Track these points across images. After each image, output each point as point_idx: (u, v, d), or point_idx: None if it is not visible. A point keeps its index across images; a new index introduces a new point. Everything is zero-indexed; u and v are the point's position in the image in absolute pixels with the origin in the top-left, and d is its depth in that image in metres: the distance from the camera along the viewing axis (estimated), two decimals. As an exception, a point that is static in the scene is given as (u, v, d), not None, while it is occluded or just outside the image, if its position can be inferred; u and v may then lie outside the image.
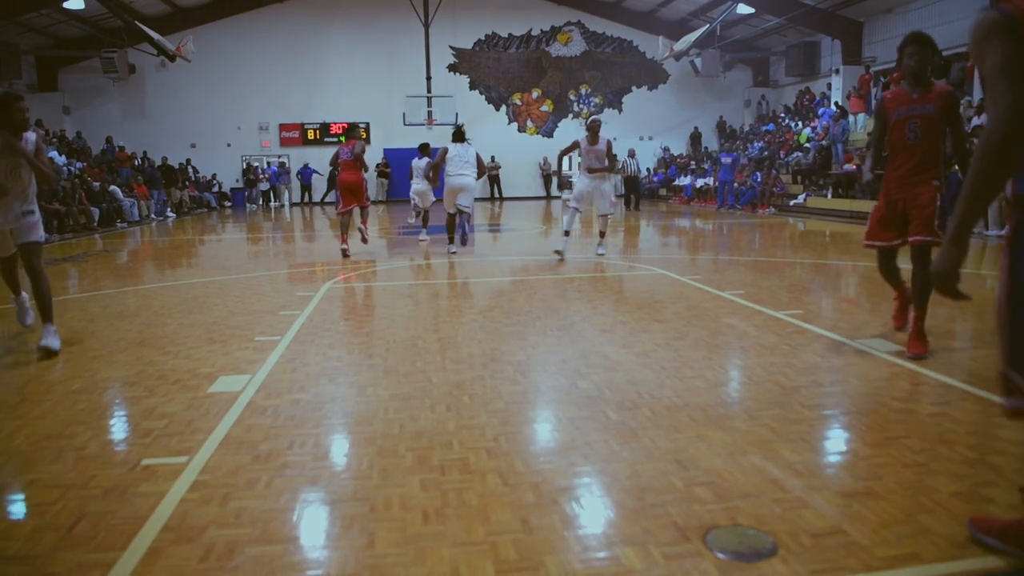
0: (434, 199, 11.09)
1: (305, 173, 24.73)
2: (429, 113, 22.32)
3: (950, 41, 15.01)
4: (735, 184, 18.80)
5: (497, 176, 25.55)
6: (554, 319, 5.25)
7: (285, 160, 25.06)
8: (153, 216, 19.31)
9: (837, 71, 20.16)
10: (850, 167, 15.20)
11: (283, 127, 25.08)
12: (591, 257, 8.80)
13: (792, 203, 17.06)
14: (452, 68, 25.40)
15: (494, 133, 25.15)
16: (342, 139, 24.53)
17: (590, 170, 8.45)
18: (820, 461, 2.72)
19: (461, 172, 8.82)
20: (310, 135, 25.18)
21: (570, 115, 26.48)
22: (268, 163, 25.16)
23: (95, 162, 20.00)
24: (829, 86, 20.70)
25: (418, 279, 7.90)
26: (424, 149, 11.34)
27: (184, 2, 23.04)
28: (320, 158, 24.65)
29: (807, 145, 18.88)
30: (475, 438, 2.91)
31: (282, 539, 2.16)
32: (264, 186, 24.68)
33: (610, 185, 8.80)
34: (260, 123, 24.99)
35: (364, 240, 9.77)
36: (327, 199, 25.06)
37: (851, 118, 17.85)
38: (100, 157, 20.95)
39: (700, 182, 21.70)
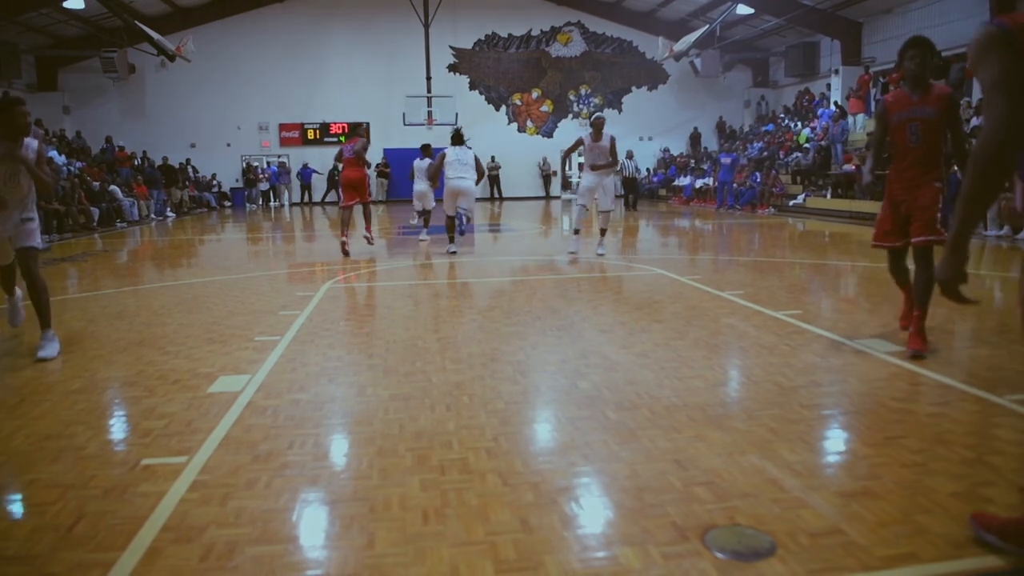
0: (435, 201, 11.14)
1: (305, 173, 24.75)
2: (429, 113, 22.32)
3: (949, 42, 15.03)
4: (735, 184, 18.81)
5: (497, 176, 25.55)
6: (554, 319, 5.26)
7: (285, 160, 25.07)
8: (153, 216, 19.31)
9: (836, 71, 20.17)
10: (849, 167, 15.21)
11: (283, 127, 25.08)
12: (591, 257, 8.80)
13: (791, 203, 17.07)
14: (452, 68, 25.40)
15: (494, 133, 25.16)
16: (342, 139, 24.65)
17: (593, 167, 8.52)
18: (819, 461, 2.73)
19: (460, 175, 8.94)
20: (310, 135, 25.18)
21: (570, 115, 26.49)
22: (268, 163, 25.15)
23: (95, 162, 19.99)
24: (828, 86, 20.71)
25: (418, 279, 7.90)
26: (426, 150, 11.44)
27: (184, 2, 23.04)
28: (320, 158, 24.70)
29: (806, 145, 18.89)
30: (475, 438, 2.92)
31: (282, 539, 2.17)
32: (264, 186, 24.67)
33: (612, 181, 8.87)
34: (260, 123, 24.99)
35: (370, 242, 9.91)
36: (327, 199, 25.12)
37: (850, 119, 17.86)
38: (100, 157, 20.94)
39: (700, 182, 21.70)
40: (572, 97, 26.48)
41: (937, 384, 3.52)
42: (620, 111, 26.17)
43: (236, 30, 24.18)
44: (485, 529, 2.18)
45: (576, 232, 8.86)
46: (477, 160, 9.15)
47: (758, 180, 18.49)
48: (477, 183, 9.25)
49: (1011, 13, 1.73)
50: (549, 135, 26.41)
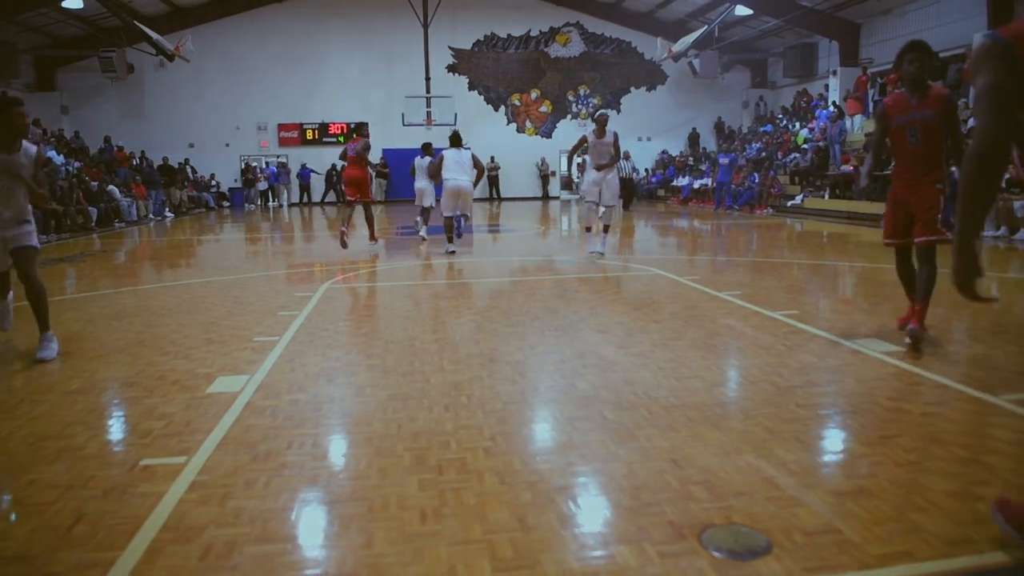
0: (435, 200, 11.32)
1: (304, 173, 24.77)
2: (428, 113, 22.32)
3: (947, 43, 15.08)
4: (733, 185, 18.83)
5: (496, 177, 25.57)
6: (552, 319, 5.27)
7: (285, 160, 25.07)
8: (151, 216, 19.30)
9: (835, 72, 20.20)
10: (847, 168, 15.23)
11: (282, 127, 25.08)
12: (589, 257, 8.82)
13: (790, 204, 17.09)
14: (451, 68, 25.42)
15: (493, 134, 25.19)
16: (341, 139, 24.67)
17: (599, 167, 8.63)
18: (814, 460, 2.74)
19: (457, 176, 9.22)
20: (309, 135, 25.18)
21: (569, 116, 26.53)
22: (267, 163, 25.15)
23: (93, 162, 19.98)
24: (827, 87, 20.74)
25: (417, 279, 7.91)
26: (427, 148, 11.73)
27: (183, 2, 23.03)
28: (319, 158, 24.71)
29: (804, 146, 18.91)
30: (473, 438, 2.93)
31: (281, 538, 2.18)
32: (262, 186, 24.66)
33: (616, 177, 8.95)
34: (259, 123, 24.99)
35: (373, 239, 10.24)
36: (326, 199, 25.13)
37: (848, 120, 17.89)
38: (98, 157, 20.93)
39: (698, 183, 21.73)
40: (571, 97, 26.51)
41: (933, 383, 3.53)
42: (619, 111, 26.18)
43: (235, 30, 24.18)
44: (483, 528, 2.19)
45: (588, 230, 9.02)
46: (475, 158, 9.38)
47: (756, 181, 18.52)
48: (477, 180, 9.47)
49: (1009, 24, 1.81)
50: (548, 135, 26.45)
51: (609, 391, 3.50)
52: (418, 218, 11.74)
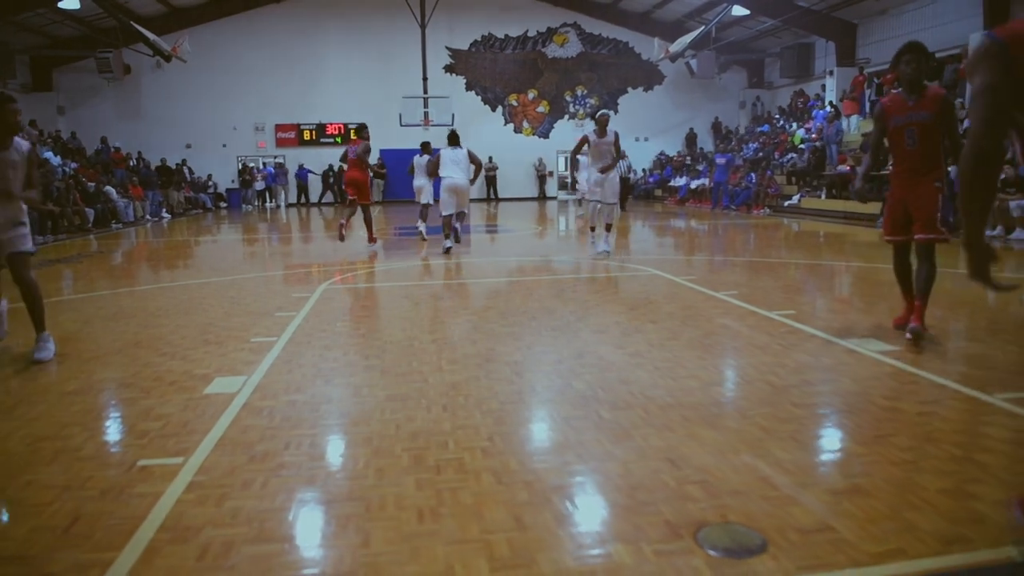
0: (433, 199, 11.50)
1: (301, 174, 24.75)
2: (425, 114, 22.31)
3: (943, 43, 15.12)
4: (730, 185, 18.86)
5: (494, 177, 25.56)
6: (549, 320, 5.28)
7: (282, 160, 25.06)
8: (148, 217, 19.27)
9: (831, 73, 20.24)
10: (844, 168, 15.27)
11: (279, 127, 25.05)
12: (588, 257, 8.83)
13: (786, 204, 17.13)
14: (448, 69, 25.42)
15: (490, 134, 25.18)
16: (338, 140, 24.66)
17: (603, 170, 8.70)
18: (810, 459, 2.75)
19: (453, 174, 9.55)
20: (306, 136, 25.16)
21: (566, 116, 26.55)
22: (264, 163, 25.13)
23: (90, 163, 19.95)
24: (823, 87, 20.78)
25: (414, 280, 7.92)
26: (425, 147, 12.07)
27: (179, 2, 23.00)
28: (316, 159, 24.69)
29: (801, 146, 18.95)
30: (470, 438, 2.94)
31: (278, 538, 2.18)
32: (260, 185, 24.62)
33: (616, 176, 9.02)
34: (256, 123, 24.95)
35: (372, 241, 10.31)
36: (323, 199, 25.11)
37: (844, 120, 17.92)
38: (95, 157, 20.90)
39: (695, 183, 21.75)
40: (568, 98, 26.53)
41: (928, 383, 3.55)
42: (616, 112, 26.17)
43: (232, 30, 24.15)
44: (480, 527, 2.20)
45: (592, 229, 9.11)
46: (471, 154, 9.67)
47: (753, 181, 18.54)
48: (475, 175, 9.78)
49: (1006, 24, 1.83)
50: (545, 136, 26.47)
51: (606, 391, 3.51)
52: (420, 220, 11.89)
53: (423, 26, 22.38)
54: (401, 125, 22.25)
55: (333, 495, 2.46)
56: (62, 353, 4.45)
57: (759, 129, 23.21)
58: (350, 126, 24.36)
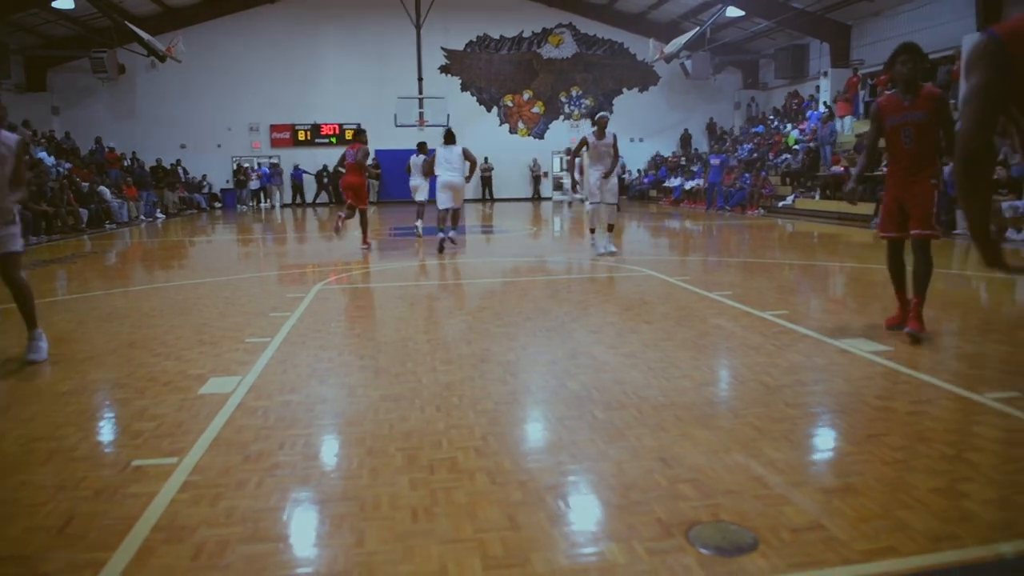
0: (428, 198, 11.62)
1: (296, 174, 24.72)
2: (421, 114, 22.30)
3: (937, 44, 15.18)
4: (724, 186, 18.91)
5: (490, 178, 25.58)
6: (544, 320, 5.29)
7: (277, 160, 25.01)
8: (142, 217, 19.21)
9: (825, 74, 20.32)
10: (838, 169, 15.33)
11: (274, 128, 25.01)
12: (586, 257, 8.85)
13: (781, 204, 17.19)
14: (444, 69, 25.42)
15: (485, 134, 25.18)
16: (333, 140, 24.64)
17: (606, 175, 8.79)
18: (802, 458, 2.77)
19: (449, 172, 9.72)
20: (301, 136, 25.13)
21: (561, 117, 26.58)
22: (259, 163, 25.08)
23: (84, 163, 19.87)
24: (818, 88, 20.87)
25: (409, 280, 7.92)
26: (422, 147, 12.20)
27: (174, 2, 22.94)
28: (311, 159, 24.65)
29: (795, 147, 19.02)
30: (464, 438, 2.95)
31: (272, 538, 2.19)
32: (254, 185, 24.57)
33: (615, 176, 9.12)
34: (250, 124, 24.91)
35: (366, 244, 10.36)
36: (317, 199, 25.08)
37: (838, 121, 18.00)
38: (89, 158, 20.82)
39: (690, 184, 21.81)
40: (563, 99, 26.56)
41: (919, 382, 3.58)
42: (611, 112, 26.23)
43: (227, 30, 24.10)
44: (473, 527, 2.21)
45: (592, 231, 9.18)
46: (466, 151, 9.80)
47: (748, 181, 18.60)
48: (471, 172, 9.89)
49: (1005, 22, 1.85)
50: (540, 136, 26.49)
51: (600, 391, 3.53)
52: (417, 219, 11.99)
53: (418, 26, 22.37)
54: (396, 125, 22.25)
55: (327, 495, 2.47)
56: (56, 354, 4.44)
57: (753, 130, 23.29)
58: (345, 127, 24.43)
